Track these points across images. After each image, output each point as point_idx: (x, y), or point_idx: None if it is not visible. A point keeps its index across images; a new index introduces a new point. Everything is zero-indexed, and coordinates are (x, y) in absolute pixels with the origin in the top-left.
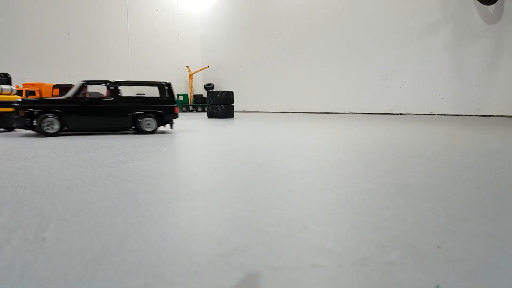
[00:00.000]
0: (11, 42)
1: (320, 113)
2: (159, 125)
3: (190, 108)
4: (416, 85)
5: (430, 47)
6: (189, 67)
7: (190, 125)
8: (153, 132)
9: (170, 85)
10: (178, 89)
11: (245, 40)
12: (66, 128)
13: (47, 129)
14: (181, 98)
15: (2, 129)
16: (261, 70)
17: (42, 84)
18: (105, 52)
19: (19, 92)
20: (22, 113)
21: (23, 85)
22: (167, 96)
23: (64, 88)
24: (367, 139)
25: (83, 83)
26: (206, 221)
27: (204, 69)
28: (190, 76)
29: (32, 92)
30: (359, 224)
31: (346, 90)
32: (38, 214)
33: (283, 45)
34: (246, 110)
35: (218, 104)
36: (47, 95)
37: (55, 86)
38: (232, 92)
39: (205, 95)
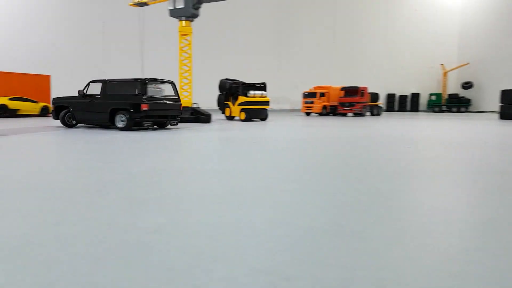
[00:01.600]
0: (278, 58)
1: None
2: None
3: (443, 108)
4: None
5: None
6: (444, 64)
7: None
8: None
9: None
10: (430, 88)
11: None
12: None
13: None
14: (433, 97)
15: (257, 119)
16: None
17: (330, 87)
18: (363, 55)
19: (311, 94)
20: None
21: (314, 87)
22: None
23: (349, 90)
24: None
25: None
26: None
27: (461, 67)
28: (444, 74)
29: (322, 94)
30: None
31: None
32: None
33: None
34: None
35: None
36: (334, 97)
37: (342, 88)
38: None
39: (460, 94)
